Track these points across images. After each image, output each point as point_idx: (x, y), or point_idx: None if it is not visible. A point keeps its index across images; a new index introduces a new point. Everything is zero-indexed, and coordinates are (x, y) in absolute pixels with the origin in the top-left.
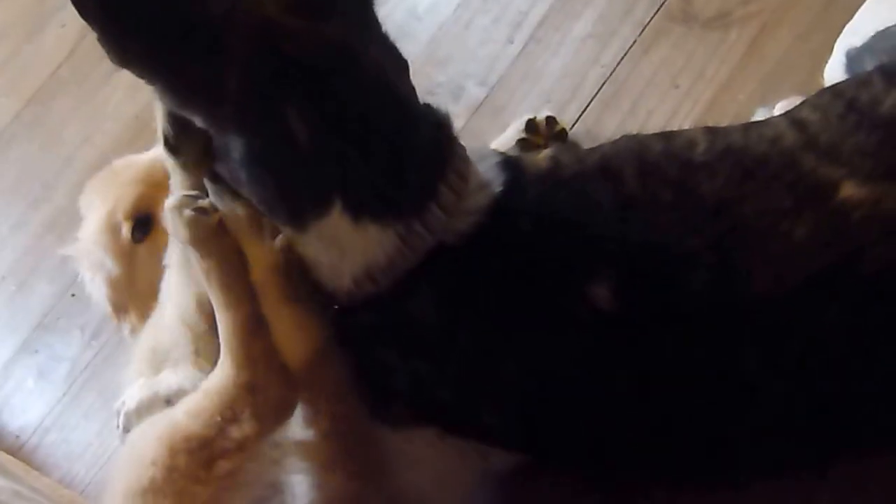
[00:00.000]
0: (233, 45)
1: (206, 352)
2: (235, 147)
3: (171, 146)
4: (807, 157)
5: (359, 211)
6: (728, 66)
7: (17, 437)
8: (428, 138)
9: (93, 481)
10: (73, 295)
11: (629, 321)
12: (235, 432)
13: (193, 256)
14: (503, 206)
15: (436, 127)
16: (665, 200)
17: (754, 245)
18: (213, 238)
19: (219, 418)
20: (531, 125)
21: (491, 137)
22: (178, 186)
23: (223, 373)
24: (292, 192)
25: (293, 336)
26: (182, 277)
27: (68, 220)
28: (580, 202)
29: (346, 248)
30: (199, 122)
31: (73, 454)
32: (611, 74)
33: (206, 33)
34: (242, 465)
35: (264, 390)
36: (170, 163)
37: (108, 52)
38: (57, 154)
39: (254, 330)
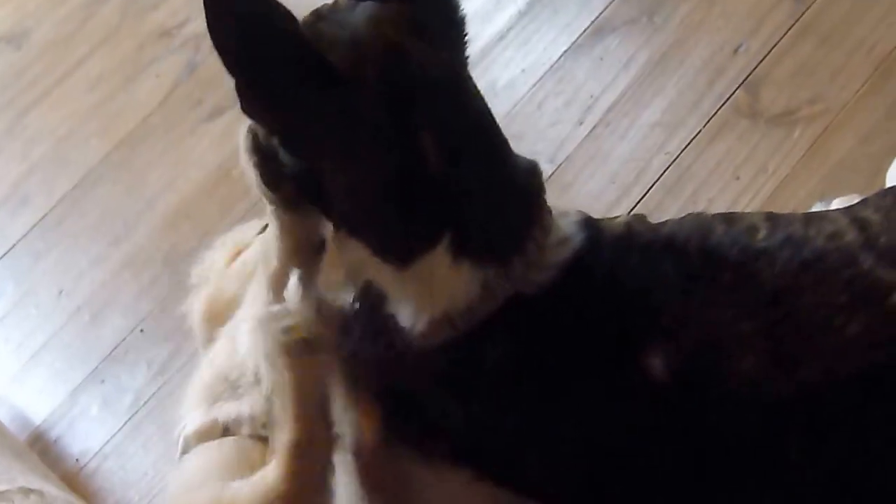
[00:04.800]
0: (366, 68)
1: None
2: (361, 181)
3: (269, 182)
4: (865, 256)
5: (461, 249)
6: (790, 162)
7: (77, 460)
8: (524, 184)
9: None
10: (142, 330)
11: (678, 394)
12: None
13: (264, 369)
14: (580, 263)
15: (530, 173)
16: (724, 281)
17: (807, 336)
18: (289, 359)
19: None
20: None
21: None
22: (275, 252)
23: (267, 479)
24: (411, 225)
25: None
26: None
27: (145, 259)
28: (648, 270)
29: (436, 287)
30: (328, 158)
31: (128, 481)
32: (674, 161)
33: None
34: None
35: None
36: (269, 213)
37: (242, 98)
38: (140, 196)
39: (306, 451)
